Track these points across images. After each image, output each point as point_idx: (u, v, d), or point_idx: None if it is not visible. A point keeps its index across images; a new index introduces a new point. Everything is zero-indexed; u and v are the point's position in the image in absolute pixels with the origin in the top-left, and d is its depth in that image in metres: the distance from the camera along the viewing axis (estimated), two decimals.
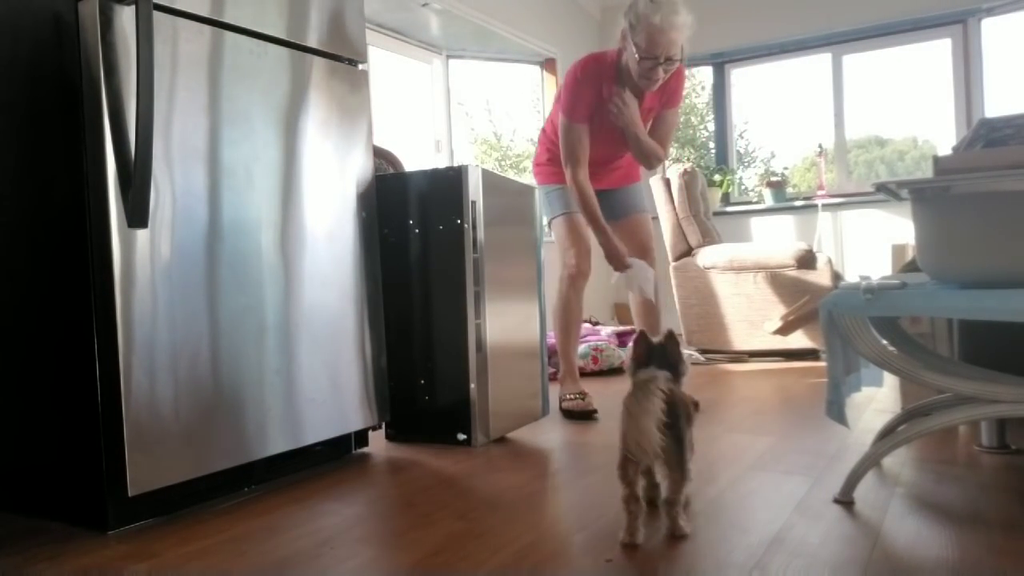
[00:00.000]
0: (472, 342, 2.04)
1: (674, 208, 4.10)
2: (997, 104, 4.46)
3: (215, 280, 1.58)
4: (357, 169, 1.98)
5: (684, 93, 2.62)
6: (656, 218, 3.95)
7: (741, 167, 5.47)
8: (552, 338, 3.55)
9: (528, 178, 2.85)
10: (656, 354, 1.43)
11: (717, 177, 5.10)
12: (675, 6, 2.29)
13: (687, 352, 1.50)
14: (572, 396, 2.53)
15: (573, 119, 2.43)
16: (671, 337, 1.44)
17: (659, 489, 1.40)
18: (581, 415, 2.45)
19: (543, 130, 2.73)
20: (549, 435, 2.22)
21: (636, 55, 2.31)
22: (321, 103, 1.86)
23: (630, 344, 1.47)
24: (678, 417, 1.30)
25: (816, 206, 4.77)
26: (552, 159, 2.62)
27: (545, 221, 2.66)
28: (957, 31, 4.56)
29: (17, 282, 1.58)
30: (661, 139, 2.53)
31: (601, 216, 2.46)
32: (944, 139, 4.72)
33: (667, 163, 5.12)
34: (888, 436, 1.55)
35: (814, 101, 4.98)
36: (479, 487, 1.68)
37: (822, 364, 3.55)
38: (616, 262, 2.49)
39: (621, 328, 4.05)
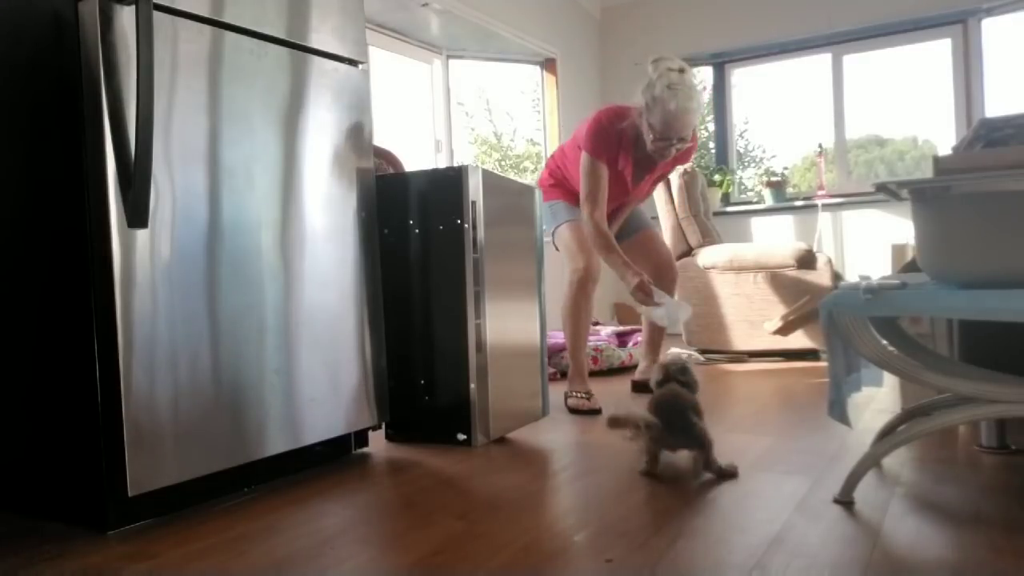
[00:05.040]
0: (472, 342, 2.04)
1: (674, 208, 4.10)
2: (997, 104, 4.46)
3: (215, 280, 1.58)
4: (357, 169, 1.98)
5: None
6: (656, 218, 3.96)
7: (741, 167, 5.47)
8: (553, 338, 3.55)
9: (528, 178, 2.86)
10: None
11: (717, 177, 5.10)
12: (690, 92, 2.41)
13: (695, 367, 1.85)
14: (578, 394, 2.61)
15: (598, 158, 2.54)
16: (685, 367, 1.84)
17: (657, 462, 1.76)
18: (586, 413, 2.54)
19: (552, 156, 2.82)
20: (549, 435, 2.22)
21: (650, 135, 2.45)
22: (321, 103, 1.86)
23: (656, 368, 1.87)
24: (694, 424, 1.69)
25: (816, 206, 4.77)
26: (557, 183, 2.78)
27: (549, 232, 2.72)
28: (957, 31, 4.56)
29: (17, 282, 1.58)
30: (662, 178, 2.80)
31: (620, 251, 2.54)
32: (944, 139, 4.72)
33: None
34: (888, 436, 1.55)
35: (814, 101, 4.98)
36: (479, 487, 1.68)
37: (822, 364, 3.55)
38: (645, 297, 2.47)
39: (621, 328, 4.04)
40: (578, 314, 2.65)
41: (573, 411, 2.58)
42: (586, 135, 2.56)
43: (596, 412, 2.53)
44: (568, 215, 2.70)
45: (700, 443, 1.66)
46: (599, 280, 2.67)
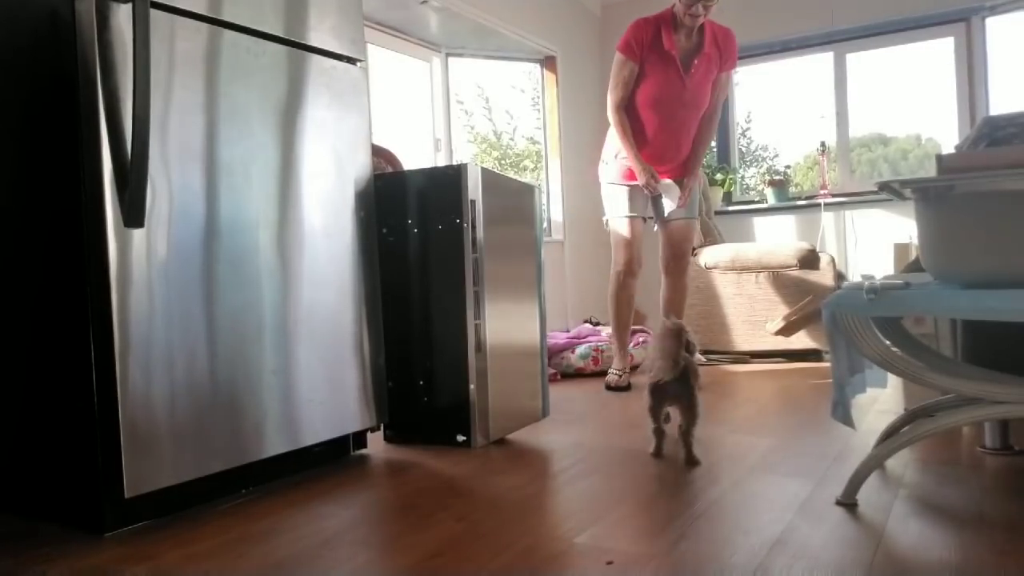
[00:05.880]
0: (472, 342, 2.03)
1: None
2: (1001, 103, 4.44)
3: (212, 280, 1.57)
4: (356, 168, 1.96)
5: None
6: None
7: (743, 166, 5.46)
8: (553, 338, 3.55)
9: (528, 177, 2.92)
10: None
11: (719, 176, 5.08)
12: None
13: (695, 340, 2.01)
14: (616, 372, 3.04)
15: (627, 55, 2.88)
16: (682, 328, 1.90)
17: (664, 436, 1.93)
18: (616, 389, 2.97)
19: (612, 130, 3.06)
20: (549, 436, 2.21)
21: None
22: (319, 102, 1.85)
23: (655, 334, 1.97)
24: (688, 375, 1.82)
25: (819, 205, 4.76)
26: (618, 155, 3.01)
27: (604, 217, 3.10)
28: (960, 29, 4.54)
29: (12, 282, 1.57)
30: (716, 99, 3.01)
31: (632, 141, 2.91)
32: (947, 138, 4.70)
33: None
34: (891, 437, 1.53)
35: (817, 99, 4.96)
36: (479, 489, 1.67)
37: (825, 365, 3.53)
38: (649, 186, 2.93)
39: None
40: (618, 304, 3.05)
41: (607, 387, 2.99)
42: (623, 38, 2.90)
43: (625, 389, 2.96)
44: (623, 210, 2.99)
45: (692, 405, 1.83)
46: (638, 274, 3.02)
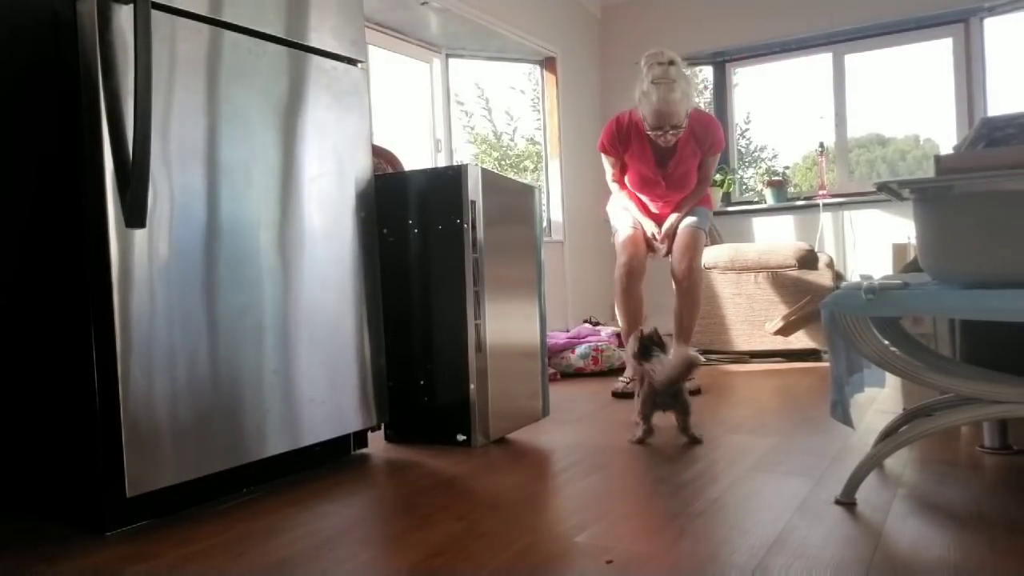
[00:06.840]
0: (472, 342, 2.03)
1: None
2: (999, 103, 4.45)
3: (213, 280, 1.58)
4: (356, 169, 1.97)
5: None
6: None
7: (742, 166, 5.46)
8: (553, 338, 3.55)
9: (528, 178, 2.93)
10: (648, 342, 2.16)
11: (718, 176, 5.08)
12: (672, 84, 2.64)
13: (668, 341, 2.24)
14: (625, 380, 2.94)
15: (607, 154, 3.00)
16: (655, 333, 2.18)
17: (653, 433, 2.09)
18: (623, 395, 2.88)
19: None
20: (549, 436, 2.21)
21: (645, 124, 2.76)
22: (320, 102, 1.86)
23: (631, 338, 2.21)
24: (679, 388, 2.04)
25: (818, 206, 4.76)
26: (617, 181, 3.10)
27: (612, 239, 3.14)
28: (959, 30, 4.55)
29: (14, 282, 1.57)
30: (703, 177, 2.99)
31: (632, 203, 3.00)
32: (946, 138, 4.70)
33: None
34: (890, 437, 1.54)
35: (815, 100, 4.97)
36: (479, 488, 1.68)
37: (824, 364, 3.54)
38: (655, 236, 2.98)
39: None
40: (625, 309, 2.94)
41: (613, 394, 2.87)
42: (601, 137, 2.99)
43: (632, 395, 2.89)
44: (626, 224, 2.99)
45: (685, 408, 2.03)
46: (641, 276, 2.93)
